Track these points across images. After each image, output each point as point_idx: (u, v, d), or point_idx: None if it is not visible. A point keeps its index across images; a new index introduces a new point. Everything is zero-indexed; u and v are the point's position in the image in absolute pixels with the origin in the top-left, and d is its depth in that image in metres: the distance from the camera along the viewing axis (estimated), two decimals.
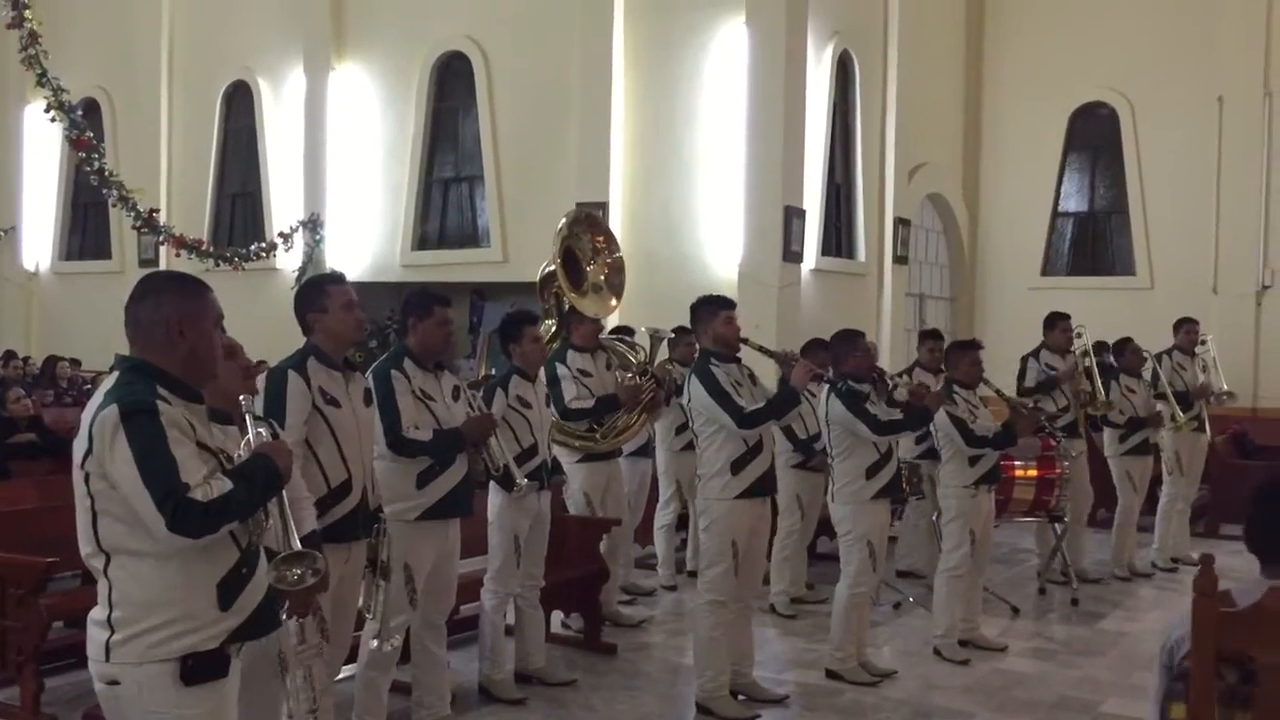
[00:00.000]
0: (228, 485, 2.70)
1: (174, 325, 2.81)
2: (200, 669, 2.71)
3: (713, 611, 5.39)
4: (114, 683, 2.72)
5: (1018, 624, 7.25)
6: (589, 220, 7.21)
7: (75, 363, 13.98)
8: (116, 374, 2.80)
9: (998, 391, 7.07)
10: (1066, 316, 8.54)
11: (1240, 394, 10.70)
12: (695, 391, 5.36)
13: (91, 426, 2.67)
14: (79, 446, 2.71)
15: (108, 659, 2.71)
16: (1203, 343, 9.35)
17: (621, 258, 7.14)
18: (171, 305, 2.83)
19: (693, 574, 7.92)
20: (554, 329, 7.08)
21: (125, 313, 2.85)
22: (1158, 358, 8.98)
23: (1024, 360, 8.51)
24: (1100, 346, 8.94)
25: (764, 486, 5.44)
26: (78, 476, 2.71)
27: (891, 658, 6.47)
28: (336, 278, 4.46)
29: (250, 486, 2.76)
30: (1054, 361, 8.36)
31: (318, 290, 4.26)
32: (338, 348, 4.27)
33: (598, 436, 6.76)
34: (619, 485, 6.97)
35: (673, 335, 7.72)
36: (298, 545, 2.95)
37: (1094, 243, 15.04)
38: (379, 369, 4.76)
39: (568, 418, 6.57)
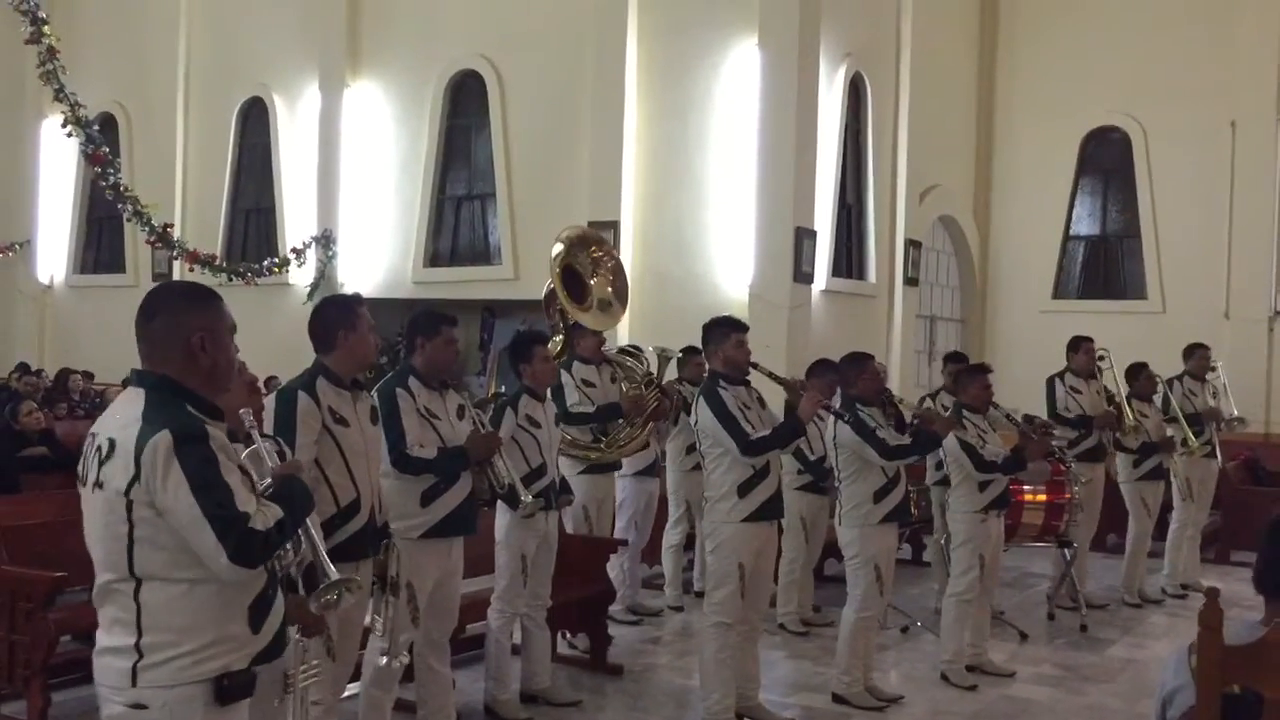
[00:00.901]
0: (278, 511, 2.67)
1: (195, 341, 2.71)
2: (234, 688, 2.68)
3: (719, 634, 5.38)
4: (140, 706, 2.63)
5: (1026, 649, 7.21)
6: (581, 240, 7.23)
7: (88, 376, 14.04)
8: (142, 393, 2.69)
9: (1008, 416, 7.04)
10: (1090, 340, 8.50)
11: (1252, 419, 10.66)
12: (702, 414, 5.38)
13: (139, 454, 2.55)
14: (121, 473, 2.59)
15: (134, 684, 2.62)
16: (1213, 369, 9.31)
17: (619, 261, 7.18)
18: (190, 320, 2.73)
19: (700, 594, 7.92)
20: (561, 345, 7.12)
21: (136, 329, 2.75)
22: (1169, 383, 8.94)
23: (1050, 382, 8.44)
24: None
25: (771, 510, 5.44)
26: (117, 503, 2.59)
27: (898, 682, 6.44)
28: (361, 299, 4.50)
29: (293, 509, 2.75)
30: (1078, 384, 8.34)
31: (348, 310, 4.30)
32: (354, 368, 4.29)
33: (603, 446, 6.79)
34: (612, 501, 7.01)
35: (680, 355, 7.72)
36: (334, 573, 2.97)
37: (1105, 266, 15.01)
38: (384, 387, 4.78)
39: (569, 421, 6.59)
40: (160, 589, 2.63)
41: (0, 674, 5.12)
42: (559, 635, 6.43)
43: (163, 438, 2.57)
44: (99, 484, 2.64)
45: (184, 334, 2.72)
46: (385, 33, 14.59)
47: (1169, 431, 8.60)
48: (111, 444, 2.64)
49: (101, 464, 2.65)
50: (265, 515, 2.64)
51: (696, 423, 5.46)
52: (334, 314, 4.28)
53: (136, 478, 2.58)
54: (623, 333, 10.97)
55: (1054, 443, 7.83)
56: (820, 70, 12.18)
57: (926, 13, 13.75)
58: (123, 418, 2.67)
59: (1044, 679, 6.62)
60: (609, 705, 5.92)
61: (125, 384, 2.83)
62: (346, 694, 4.63)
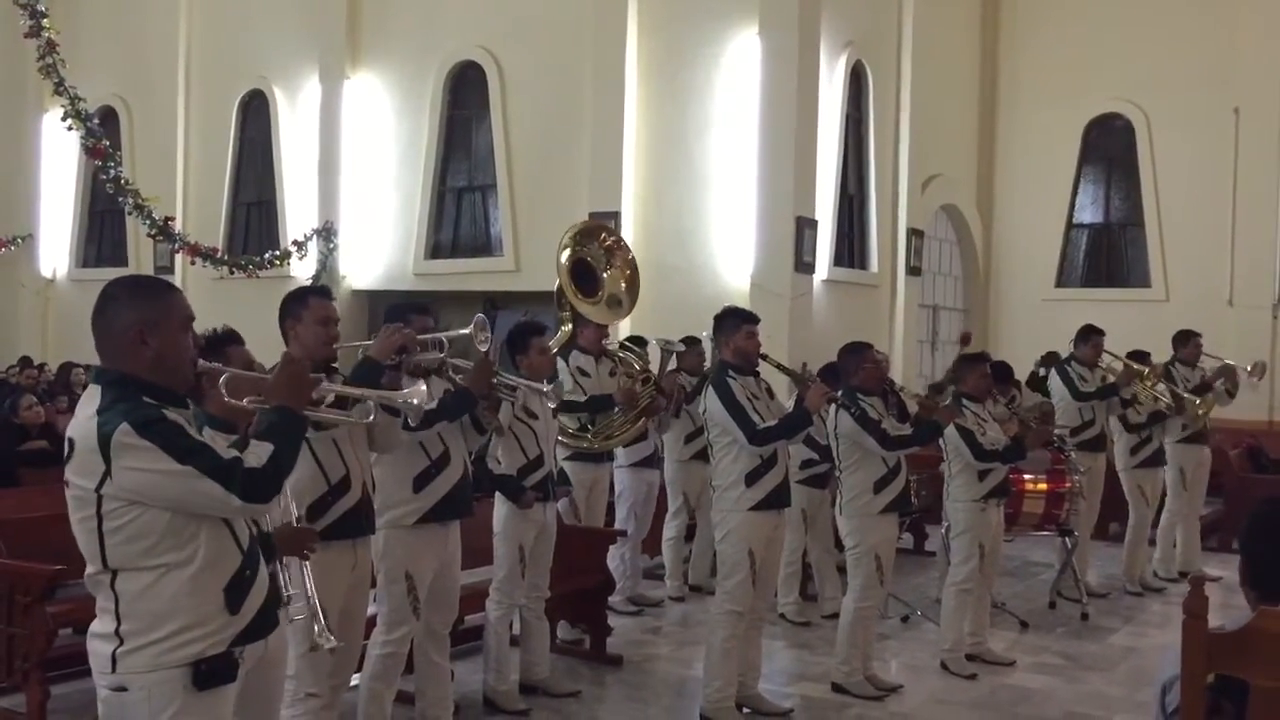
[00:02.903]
0: (267, 446, 2.73)
1: (134, 333, 2.74)
2: (212, 674, 2.72)
3: (730, 621, 5.39)
4: (121, 689, 2.70)
5: (1026, 638, 7.20)
6: (586, 233, 7.20)
7: (90, 369, 14.04)
8: (99, 389, 2.74)
9: (1008, 405, 7.03)
10: (1102, 334, 8.44)
11: (1254, 407, 10.61)
12: (711, 402, 5.40)
13: (106, 450, 2.60)
14: (86, 471, 2.64)
15: (114, 669, 2.69)
16: (1206, 355, 9.20)
17: (634, 257, 7.16)
18: (132, 312, 2.77)
19: (695, 588, 7.94)
20: (569, 335, 7.09)
21: (91, 325, 2.81)
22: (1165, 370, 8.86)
23: (1061, 369, 8.38)
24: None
25: (778, 499, 5.44)
26: (86, 498, 2.66)
27: (898, 672, 6.43)
28: (321, 290, 4.42)
29: (281, 436, 2.78)
30: (1084, 373, 8.30)
31: (299, 300, 4.22)
32: (308, 358, 4.24)
33: (589, 436, 6.77)
34: (603, 490, 7.00)
35: (683, 348, 7.71)
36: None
37: (1109, 254, 14.99)
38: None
39: (559, 409, 6.57)
40: (133, 578, 2.69)
41: None
42: (558, 626, 6.44)
43: (124, 428, 2.62)
44: (68, 482, 2.72)
45: (124, 327, 2.76)
46: (385, 24, 14.56)
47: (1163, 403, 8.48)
48: (71, 444, 2.71)
49: (66, 463, 2.73)
50: (256, 453, 2.71)
51: (705, 411, 5.50)
52: (283, 306, 4.21)
53: (109, 473, 2.63)
54: (624, 322, 10.95)
55: (1055, 431, 7.83)
56: (821, 59, 12.15)
57: (928, 1, 13.69)
58: (81, 416, 2.73)
59: (1044, 668, 6.61)
60: (608, 696, 5.92)
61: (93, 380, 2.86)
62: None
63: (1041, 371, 10.86)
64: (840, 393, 5.85)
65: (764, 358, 5.56)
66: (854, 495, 5.89)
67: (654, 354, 7.48)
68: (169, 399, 2.76)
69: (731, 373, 5.44)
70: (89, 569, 2.74)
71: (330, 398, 3.38)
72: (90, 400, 2.74)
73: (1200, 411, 8.52)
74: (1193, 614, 2.07)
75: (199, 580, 2.71)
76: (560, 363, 6.65)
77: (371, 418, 3.64)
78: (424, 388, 3.30)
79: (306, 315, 4.14)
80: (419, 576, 4.70)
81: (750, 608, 5.43)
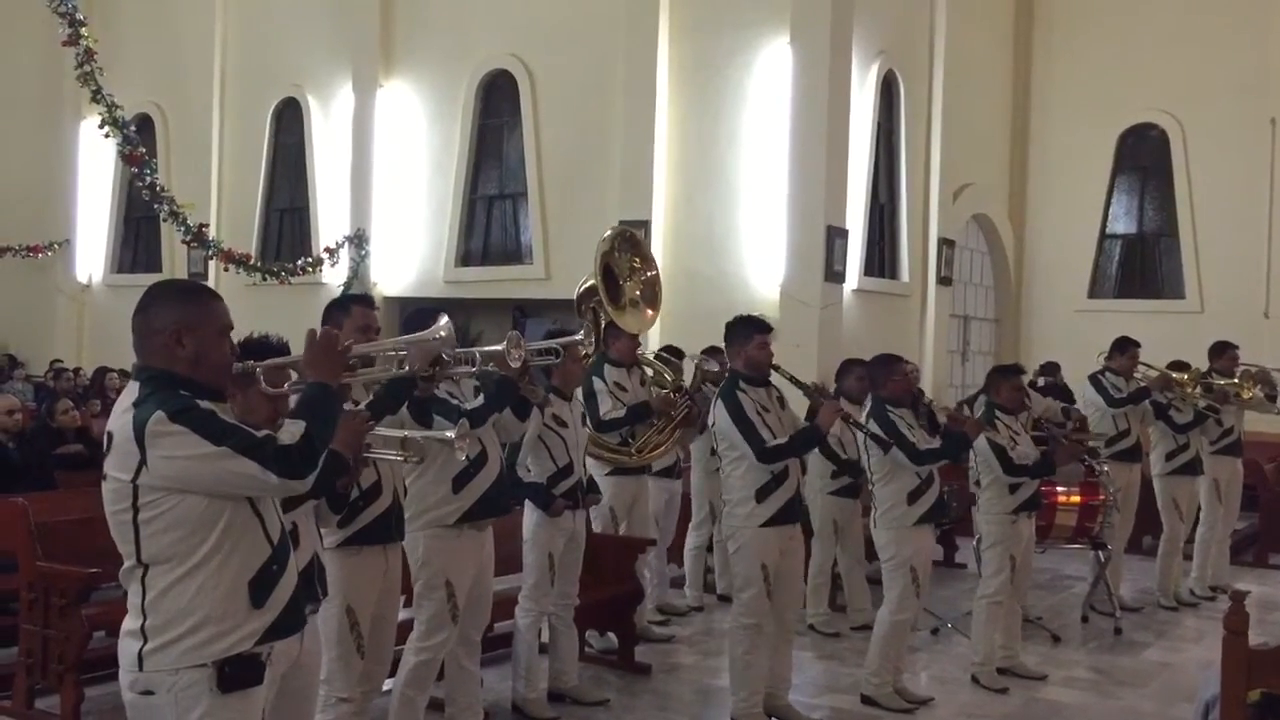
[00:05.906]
0: (300, 424, 2.73)
1: (172, 334, 2.78)
2: (236, 676, 2.71)
3: (747, 635, 5.36)
4: (148, 693, 2.71)
5: (1058, 652, 7.13)
6: (632, 241, 7.19)
7: (125, 374, 14.17)
8: (137, 385, 2.78)
9: (1039, 419, 6.98)
10: (1138, 345, 8.38)
11: None
12: (719, 416, 5.35)
13: (141, 438, 2.64)
14: (123, 462, 2.67)
15: (141, 668, 2.71)
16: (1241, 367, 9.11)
17: (657, 274, 7.11)
18: (172, 313, 2.80)
19: (723, 598, 7.91)
20: (591, 345, 7.06)
21: (131, 323, 2.85)
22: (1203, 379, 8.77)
23: (1095, 380, 8.32)
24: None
25: (789, 514, 5.39)
26: (122, 490, 2.68)
27: (928, 684, 6.39)
28: (364, 299, 4.46)
29: (314, 411, 2.77)
30: (1118, 383, 8.25)
31: (341, 308, 4.28)
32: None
33: (632, 450, 6.76)
34: (645, 503, 6.99)
35: (718, 368, 7.70)
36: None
37: (1142, 265, 14.87)
38: None
39: (602, 429, 6.57)
40: (164, 571, 2.71)
41: (34, 669, 5.20)
42: (589, 634, 6.43)
43: (158, 416, 2.66)
44: (105, 476, 2.76)
45: (162, 326, 2.80)
46: (417, 32, 14.66)
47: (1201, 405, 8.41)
48: (110, 436, 2.75)
49: (105, 457, 2.77)
50: (290, 430, 2.72)
51: (714, 424, 5.44)
52: (326, 314, 4.25)
53: (144, 461, 2.66)
54: (654, 333, 10.95)
55: (1090, 443, 7.77)
56: (852, 68, 12.12)
57: (960, 9, 13.66)
58: (118, 410, 2.78)
59: (1076, 682, 6.55)
60: (637, 705, 5.91)
61: (133, 377, 2.90)
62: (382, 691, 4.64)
63: (1040, 382, 10.81)
64: (868, 418, 5.83)
65: (776, 369, 5.50)
66: (888, 507, 5.85)
67: (687, 370, 7.48)
68: (206, 394, 2.78)
69: (742, 384, 5.38)
70: (124, 564, 2.76)
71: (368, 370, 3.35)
72: (128, 395, 2.79)
73: (1246, 396, 8.43)
74: (1233, 630, 2.05)
75: (223, 574, 2.72)
76: (597, 383, 6.61)
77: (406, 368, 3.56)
78: (445, 318, 3.27)
79: (347, 322, 4.18)
80: (458, 583, 4.71)
81: (767, 620, 5.39)
